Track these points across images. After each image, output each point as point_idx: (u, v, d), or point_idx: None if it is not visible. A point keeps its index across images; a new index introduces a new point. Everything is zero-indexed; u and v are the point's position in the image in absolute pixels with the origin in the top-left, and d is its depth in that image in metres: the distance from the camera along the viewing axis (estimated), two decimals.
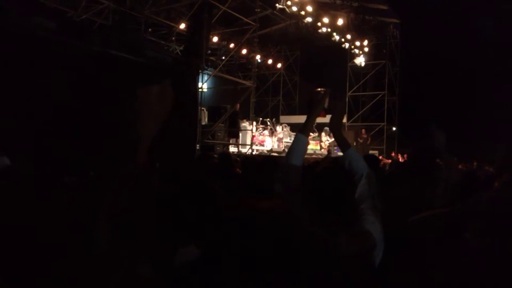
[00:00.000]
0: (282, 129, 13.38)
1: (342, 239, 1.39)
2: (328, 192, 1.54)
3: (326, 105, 1.77)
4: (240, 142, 11.67)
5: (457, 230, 1.69)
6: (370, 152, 12.05)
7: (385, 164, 7.46)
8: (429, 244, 1.89)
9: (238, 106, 10.83)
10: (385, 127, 15.31)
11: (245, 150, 11.24)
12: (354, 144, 12.26)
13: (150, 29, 12.38)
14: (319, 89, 1.79)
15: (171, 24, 11.76)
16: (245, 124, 12.36)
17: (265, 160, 4.37)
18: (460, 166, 8.57)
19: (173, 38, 12.66)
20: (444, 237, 1.76)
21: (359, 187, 1.64)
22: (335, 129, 1.81)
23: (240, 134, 11.85)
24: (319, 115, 1.79)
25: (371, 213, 1.59)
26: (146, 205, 1.80)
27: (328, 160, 3.76)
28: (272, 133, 13.06)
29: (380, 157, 9.83)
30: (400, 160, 12.61)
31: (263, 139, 12.71)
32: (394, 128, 15.57)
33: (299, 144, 1.74)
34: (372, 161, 3.29)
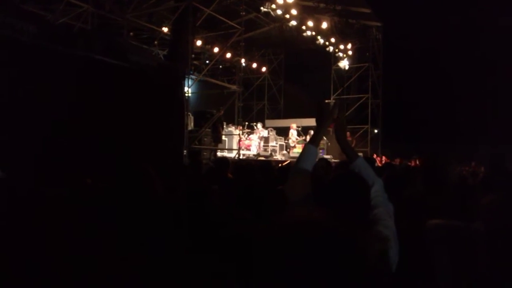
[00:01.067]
0: (268, 133, 13.33)
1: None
2: (344, 197, 1.49)
3: (335, 116, 1.81)
4: (226, 147, 11.56)
5: (471, 247, 1.72)
6: None
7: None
8: (441, 252, 1.88)
9: (222, 111, 10.73)
10: (369, 130, 15.43)
11: (231, 154, 11.13)
12: None
13: (131, 33, 12.15)
14: (327, 101, 1.82)
15: (154, 28, 11.58)
16: (231, 128, 12.26)
17: (258, 164, 4.29)
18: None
19: (156, 42, 12.47)
20: (457, 250, 1.77)
21: (372, 193, 1.66)
22: (341, 139, 1.83)
23: (227, 139, 11.73)
24: (328, 126, 1.83)
25: (386, 218, 1.59)
26: (151, 211, 1.71)
27: (325, 163, 3.72)
28: (254, 131, 13.01)
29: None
30: (379, 162, 12.55)
31: (249, 144, 12.64)
32: (376, 131, 15.71)
33: (308, 154, 1.77)
34: (369, 162, 3.31)
